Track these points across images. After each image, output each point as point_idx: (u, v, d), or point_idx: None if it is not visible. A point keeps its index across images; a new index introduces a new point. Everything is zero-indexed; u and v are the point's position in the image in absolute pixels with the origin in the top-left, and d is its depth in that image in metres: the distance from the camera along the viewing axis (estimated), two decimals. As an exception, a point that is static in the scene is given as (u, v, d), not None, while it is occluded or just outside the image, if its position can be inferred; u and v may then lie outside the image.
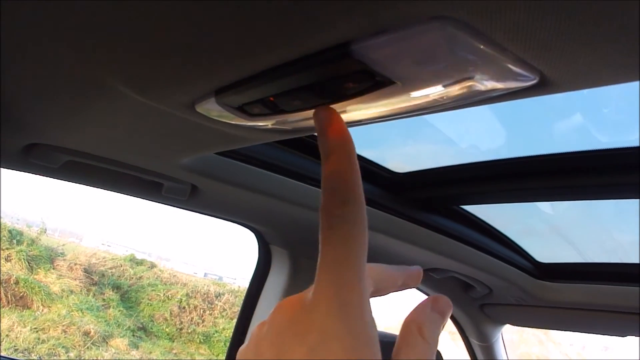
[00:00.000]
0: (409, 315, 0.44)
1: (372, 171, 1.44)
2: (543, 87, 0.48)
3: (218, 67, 0.54)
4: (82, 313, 8.71)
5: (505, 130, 1.66)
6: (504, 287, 1.90)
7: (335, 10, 0.40)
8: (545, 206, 1.86)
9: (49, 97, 0.81)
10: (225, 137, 0.80)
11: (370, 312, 0.40)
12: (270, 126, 0.67)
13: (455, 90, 0.48)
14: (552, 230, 1.96)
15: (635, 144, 1.11)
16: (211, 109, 0.65)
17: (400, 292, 0.50)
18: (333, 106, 0.52)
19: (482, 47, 0.41)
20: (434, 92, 0.49)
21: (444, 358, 1.82)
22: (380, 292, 0.47)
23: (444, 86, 0.47)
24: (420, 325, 0.43)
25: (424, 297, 2.18)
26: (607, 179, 1.17)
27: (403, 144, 1.85)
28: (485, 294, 2.02)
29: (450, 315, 0.46)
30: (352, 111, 0.55)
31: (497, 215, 1.73)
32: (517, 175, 1.31)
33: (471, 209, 1.66)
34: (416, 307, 0.45)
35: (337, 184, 0.43)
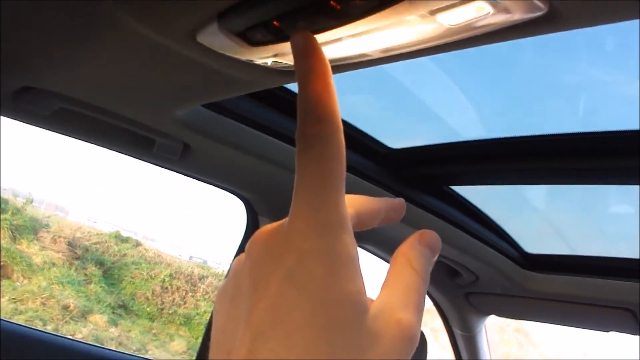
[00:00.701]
0: (397, 250, 0.42)
1: (367, 145, 1.44)
2: (551, 21, 0.47)
3: None
4: (63, 286, 8.69)
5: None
6: (490, 275, 1.90)
7: None
8: (536, 198, 1.87)
9: (45, 32, 0.80)
10: (224, 79, 0.79)
11: (351, 233, 0.39)
12: (270, 63, 0.66)
13: (464, 13, 0.46)
14: (542, 221, 1.97)
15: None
16: (212, 38, 0.64)
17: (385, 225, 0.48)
18: (344, 29, 0.51)
19: None
20: (443, 15, 0.47)
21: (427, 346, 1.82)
22: (362, 224, 0.45)
23: (453, 5, 0.46)
24: (409, 257, 0.41)
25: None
26: (604, 163, 1.17)
27: (405, 135, 1.86)
28: (471, 282, 2.02)
29: (439, 250, 0.43)
30: (363, 41, 0.54)
31: (489, 203, 1.74)
32: (512, 155, 1.32)
33: (464, 193, 1.66)
34: (404, 243, 0.43)
35: (312, 104, 0.41)
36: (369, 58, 0.61)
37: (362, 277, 0.37)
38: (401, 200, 0.49)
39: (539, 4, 0.45)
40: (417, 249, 0.42)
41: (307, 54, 0.44)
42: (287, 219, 0.39)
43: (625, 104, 1.69)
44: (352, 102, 1.92)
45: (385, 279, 0.40)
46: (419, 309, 0.39)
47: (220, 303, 0.43)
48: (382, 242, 1.81)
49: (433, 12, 0.47)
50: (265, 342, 0.35)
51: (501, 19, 0.47)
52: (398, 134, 1.68)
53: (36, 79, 1.00)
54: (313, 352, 0.34)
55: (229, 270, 0.44)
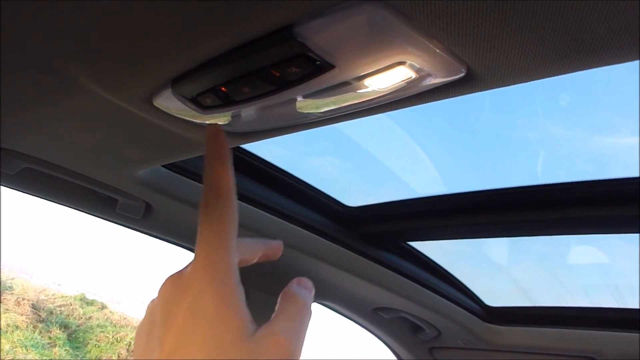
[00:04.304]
0: (282, 292, 0.53)
1: (324, 203, 1.47)
2: (470, 81, 0.52)
3: (173, 54, 0.58)
4: (27, 350, 8.44)
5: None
6: (452, 329, 1.91)
7: None
8: (495, 252, 1.90)
9: (10, 94, 0.82)
10: (180, 141, 0.82)
11: (238, 278, 0.49)
12: (222, 126, 0.70)
13: (390, 78, 0.52)
14: (501, 274, 2.00)
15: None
16: (167, 103, 0.68)
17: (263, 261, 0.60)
18: (284, 94, 0.58)
19: (411, 31, 0.45)
20: (370, 80, 0.53)
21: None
22: (244, 262, 0.56)
23: (379, 71, 0.51)
24: (293, 295, 0.52)
25: (374, 340, 2.19)
26: (556, 214, 1.21)
27: (366, 193, 1.90)
28: (434, 337, 2.03)
29: (313, 289, 0.55)
30: (302, 104, 0.59)
31: (449, 258, 1.77)
32: (468, 210, 1.35)
33: (423, 249, 1.69)
34: (287, 286, 0.54)
35: (214, 181, 0.53)
36: (311, 120, 0.66)
37: (246, 310, 0.47)
38: (279, 242, 0.62)
39: (458, 68, 0.50)
40: (297, 289, 0.53)
41: (214, 141, 0.56)
42: (188, 267, 0.50)
43: (584, 158, 1.75)
44: (317, 164, 1.97)
45: (275, 313, 0.50)
46: (299, 334, 0.49)
47: (139, 337, 0.52)
48: (343, 299, 1.82)
49: (361, 78, 0.53)
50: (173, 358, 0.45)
51: (425, 82, 0.52)
52: (361, 195, 1.71)
53: (1, 139, 1.02)
54: None
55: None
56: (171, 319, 0.47)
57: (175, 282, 0.50)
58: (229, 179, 0.54)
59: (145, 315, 0.53)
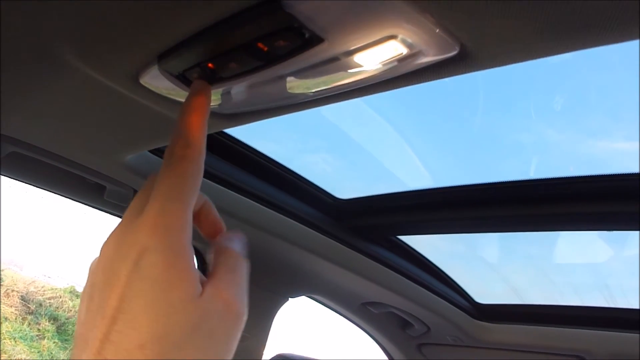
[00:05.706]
0: (215, 245, 0.52)
1: (314, 195, 1.46)
2: (464, 60, 0.51)
3: (159, 29, 0.56)
4: (15, 342, 8.39)
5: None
6: (442, 325, 1.91)
7: None
8: (486, 250, 1.90)
9: None
10: (168, 123, 0.81)
11: (191, 237, 0.46)
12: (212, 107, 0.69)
13: (381, 53, 0.50)
14: (492, 272, 2.00)
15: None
16: (154, 80, 0.67)
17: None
18: (272, 69, 0.56)
19: (402, 3, 0.44)
20: (360, 55, 0.51)
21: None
22: None
23: (369, 45, 0.50)
24: (225, 248, 0.51)
25: (363, 335, 2.18)
26: (546, 209, 1.21)
27: (357, 189, 1.90)
28: (423, 333, 2.02)
29: (244, 239, 0.54)
30: (292, 84, 0.58)
31: (439, 254, 1.76)
32: (458, 204, 1.34)
33: (413, 244, 1.68)
34: (219, 238, 0.53)
35: (186, 131, 0.49)
36: (302, 100, 0.65)
37: (195, 269, 0.45)
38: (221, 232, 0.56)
39: (451, 45, 0.49)
40: (227, 241, 0.52)
41: (199, 94, 0.53)
42: (136, 218, 0.45)
43: (576, 161, 1.75)
44: (308, 157, 1.96)
45: (213, 266, 0.49)
46: (241, 286, 0.48)
47: (82, 302, 0.48)
48: (332, 292, 1.82)
49: (351, 53, 0.51)
50: (115, 325, 0.42)
51: (417, 60, 0.51)
52: (354, 192, 1.71)
53: (-13, 123, 1.00)
54: (154, 330, 0.41)
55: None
56: (113, 280, 0.43)
57: (120, 238, 0.46)
58: (203, 130, 0.50)
59: (87, 278, 0.49)
